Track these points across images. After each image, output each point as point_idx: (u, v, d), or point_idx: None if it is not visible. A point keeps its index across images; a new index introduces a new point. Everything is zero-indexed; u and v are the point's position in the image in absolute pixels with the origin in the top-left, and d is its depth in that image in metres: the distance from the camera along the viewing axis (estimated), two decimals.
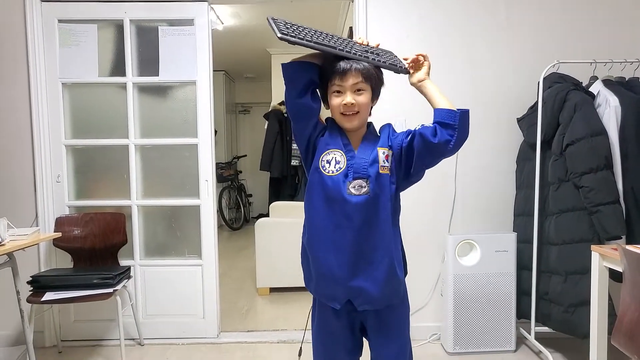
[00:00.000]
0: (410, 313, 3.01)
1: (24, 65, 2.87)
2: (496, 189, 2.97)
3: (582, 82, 2.65)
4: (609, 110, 2.44)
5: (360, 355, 1.70)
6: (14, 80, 2.88)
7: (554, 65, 2.64)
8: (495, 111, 2.95)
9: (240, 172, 8.06)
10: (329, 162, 1.51)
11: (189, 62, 2.96)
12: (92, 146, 3.02)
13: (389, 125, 1.62)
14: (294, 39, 1.38)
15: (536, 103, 2.70)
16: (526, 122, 2.79)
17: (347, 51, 1.46)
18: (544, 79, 2.66)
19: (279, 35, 1.36)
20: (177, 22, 2.96)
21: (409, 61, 1.54)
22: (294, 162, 5.92)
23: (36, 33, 2.87)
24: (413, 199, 2.91)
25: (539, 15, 2.92)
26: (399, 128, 1.68)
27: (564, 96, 2.52)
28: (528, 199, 2.76)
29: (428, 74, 1.55)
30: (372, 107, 1.59)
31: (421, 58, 1.54)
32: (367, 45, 1.56)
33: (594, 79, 2.64)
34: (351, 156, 1.52)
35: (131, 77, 2.96)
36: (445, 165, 2.94)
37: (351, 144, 1.55)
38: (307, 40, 1.40)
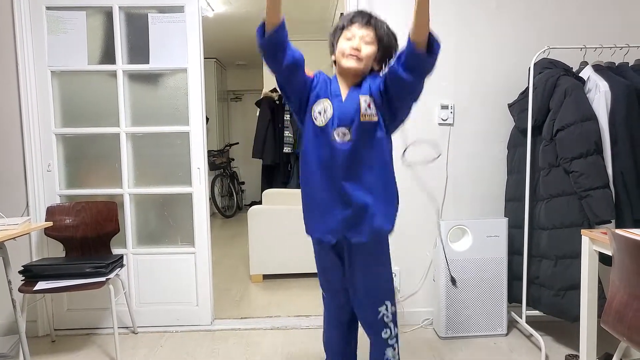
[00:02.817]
0: (403, 299, 3.06)
1: (11, 54, 2.83)
2: (487, 175, 2.99)
3: (572, 68, 2.66)
4: (599, 95, 2.45)
5: None
6: (1, 68, 2.84)
7: (544, 50, 2.64)
8: (486, 97, 2.95)
9: (233, 159, 8.04)
10: (320, 112, 1.69)
11: (180, 49, 2.93)
12: (83, 135, 3.00)
13: (373, 73, 1.74)
14: None
15: (527, 89, 2.70)
16: (517, 107, 2.80)
17: None
18: (535, 64, 2.67)
19: None
20: (167, 9, 2.92)
21: None
22: (286, 150, 5.91)
23: (23, 20, 2.83)
24: (405, 185, 2.92)
25: (529, 1, 2.92)
26: None
27: (555, 82, 2.53)
28: (519, 184, 2.78)
29: None
30: (377, 70, 1.75)
31: None
32: None
33: (584, 64, 2.65)
34: (337, 105, 1.68)
35: (121, 64, 2.93)
36: (437, 151, 2.96)
37: (341, 93, 1.71)
38: None
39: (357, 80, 1.73)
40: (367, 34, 1.66)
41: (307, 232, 1.85)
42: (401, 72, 1.57)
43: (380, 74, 1.74)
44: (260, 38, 1.59)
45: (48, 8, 2.88)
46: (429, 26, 1.51)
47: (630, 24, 2.91)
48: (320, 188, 1.72)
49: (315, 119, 1.70)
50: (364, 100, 1.68)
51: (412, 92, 1.64)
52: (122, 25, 2.93)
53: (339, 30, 1.74)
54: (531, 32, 2.91)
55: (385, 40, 1.71)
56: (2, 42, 2.83)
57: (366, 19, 1.69)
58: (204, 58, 3.00)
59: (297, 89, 1.71)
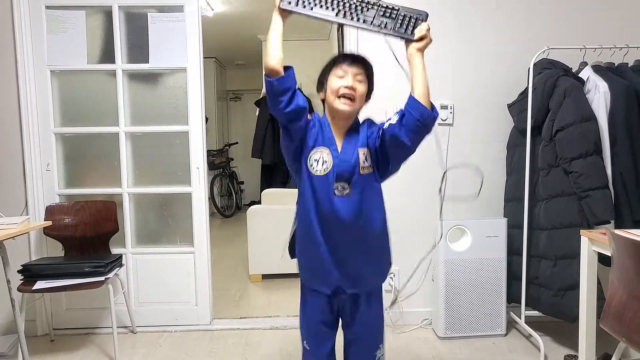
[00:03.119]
0: (402, 299, 3.05)
1: (11, 53, 2.83)
2: (487, 175, 2.99)
3: (572, 68, 2.66)
4: (599, 95, 2.45)
5: (337, 330, 1.81)
6: (0, 67, 2.84)
7: (544, 51, 2.64)
8: (485, 97, 2.96)
9: (232, 159, 8.04)
10: (317, 160, 1.60)
11: (179, 49, 2.93)
12: (82, 134, 3.00)
13: (367, 121, 1.70)
14: (291, 8, 1.52)
15: (526, 89, 2.70)
16: (516, 108, 2.80)
17: (353, 19, 1.54)
18: (534, 64, 2.67)
19: (280, 5, 1.52)
20: (167, 9, 2.92)
21: (423, 31, 1.54)
22: None
23: (23, 19, 2.82)
24: (404, 184, 2.92)
25: (529, 1, 2.92)
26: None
27: (554, 82, 2.53)
28: (518, 184, 2.78)
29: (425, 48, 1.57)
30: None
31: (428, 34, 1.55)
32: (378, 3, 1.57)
33: (583, 64, 2.65)
34: (335, 155, 1.60)
35: (120, 64, 2.93)
36: (436, 151, 2.95)
37: (335, 140, 1.63)
38: (307, 11, 1.52)
39: (348, 124, 1.66)
40: (359, 71, 1.60)
41: (302, 279, 1.78)
42: (403, 137, 1.53)
43: (370, 117, 1.71)
44: (269, 79, 1.53)
45: (47, 7, 2.88)
46: (428, 92, 1.54)
47: (629, 24, 2.91)
48: (318, 242, 1.62)
49: (311, 166, 1.60)
50: (363, 152, 1.62)
51: (410, 153, 1.61)
52: (121, 24, 2.92)
53: (328, 67, 1.66)
54: (531, 32, 2.91)
55: (372, 79, 1.67)
56: (2, 41, 2.83)
57: (357, 57, 1.64)
58: (204, 57, 3.00)
59: (298, 134, 1.62)
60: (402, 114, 1.55)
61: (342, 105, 1.59)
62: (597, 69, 2.57)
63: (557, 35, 2.87)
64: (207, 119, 3.13)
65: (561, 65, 2.64)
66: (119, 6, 2.89)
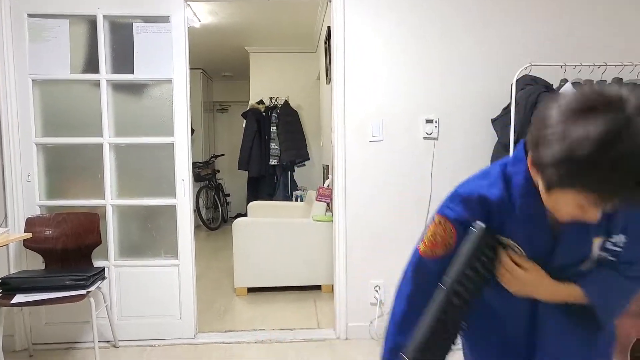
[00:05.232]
0: (388, 312, 3.04)
1: None
2: None
3: (553, 85, 2.71)
4: None
5: None
6: None
7: (526, 67, 2.68)
8: (469, 112, 2.99)
9: (218, 171, 8.00)
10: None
11: (165, 60, 2.92)
12: (65, 145, 2.96)
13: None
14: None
15: (509, 104, 2.74)
16: (500, 123, 2.84)
17: None
18: (517, 80, 2.71)
19: None
20: (153, 19, 2.91)
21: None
22: (272, 162, 5.91)
23: (4, 27, 2.79)
24: (391, 198, 2.94)
25: (511, 19, 2.97)
26: None
27: (536, 98, 2.57)
28: None
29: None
30: None
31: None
32: None
33: (564, 81, 2.70)
34: (546, 241, 1.16)
35: (105, 74, 2.91)
36: (421, 166, 2.98)
37: (548, 219, 1.14)
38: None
39: None
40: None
41: None
42: None
43: None
44: None
45: (30, 15, 2.84)
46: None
47: (608, 43, 2.97)
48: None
49: None
50: (597, 243, 1.17)
51: None
52: (106, 34, 2.90)
53: (575, 168, 0.91)
54: (514, 48, 2.96)
55: None
56: None
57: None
58: (190, 68, 2.99)
59: None
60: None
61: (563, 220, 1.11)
62: (577, 85, 2.62)
63: (539, 52, 2.93)
64: (193, 131, 3.12)
65: (543, 82, 2.68)
66: (103, 16, 2.87)
